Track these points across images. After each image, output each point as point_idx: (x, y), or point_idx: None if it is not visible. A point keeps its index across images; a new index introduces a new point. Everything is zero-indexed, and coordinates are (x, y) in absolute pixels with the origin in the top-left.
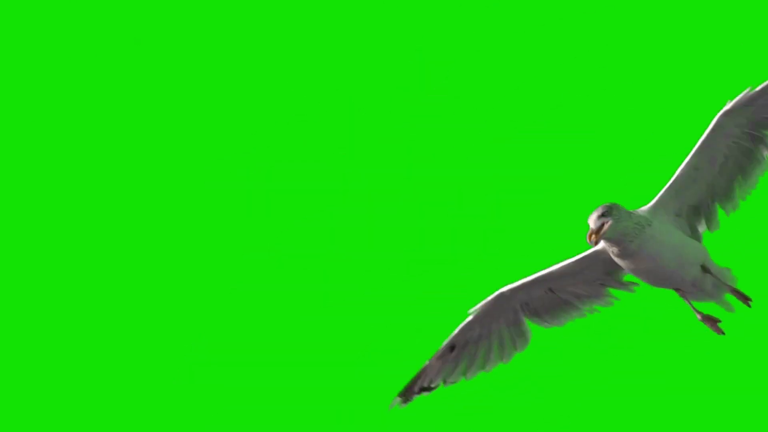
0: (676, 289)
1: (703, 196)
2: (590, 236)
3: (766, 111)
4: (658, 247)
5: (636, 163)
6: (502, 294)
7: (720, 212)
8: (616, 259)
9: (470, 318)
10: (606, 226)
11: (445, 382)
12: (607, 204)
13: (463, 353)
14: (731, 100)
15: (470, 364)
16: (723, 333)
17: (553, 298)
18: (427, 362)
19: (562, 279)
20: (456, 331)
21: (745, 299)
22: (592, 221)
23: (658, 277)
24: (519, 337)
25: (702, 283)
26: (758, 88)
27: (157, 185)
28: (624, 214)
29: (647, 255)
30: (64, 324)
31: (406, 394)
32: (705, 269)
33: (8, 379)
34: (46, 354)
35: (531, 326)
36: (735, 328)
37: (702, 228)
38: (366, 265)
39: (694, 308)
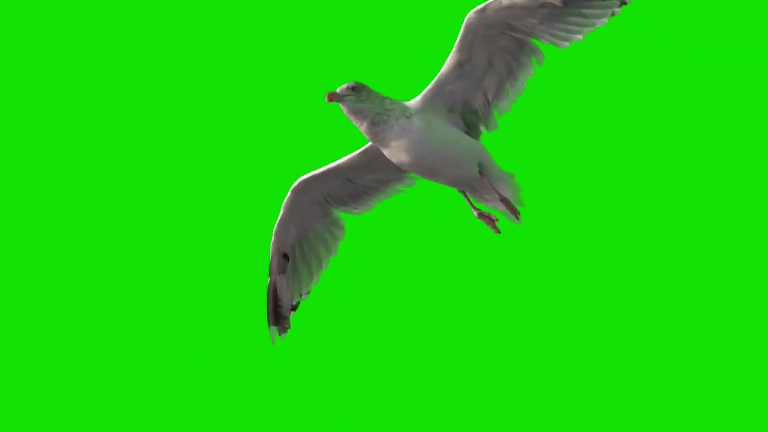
0: (455, 187)
1: (475, 93)
2: (330, 94)
3: (522, 21)
4: (416, 140)
5: None
6: (297, 188)
7: (495, 113)
8: (382, 150)
9: (279, 220)
10: (346, 97)
11: (300, 295)
12: (360, 83)
13: (296, 259)
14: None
15: (309, 268)
16: (499, 231)
17: (354, 186)
18: (269, 282)
19: (355, 169)
20: (274, 237)
21: (513, 211)
22: (341, 87)
23: (426, 172)
24: (333, 226)
25: (474, 182)
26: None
27: None
28: (373, 96)
29: (404, 147)
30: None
31: (278, 322)
32: (482, 168)
33: None
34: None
35: (342, 215)
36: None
37: (479, 126)
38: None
39: (471, 204)
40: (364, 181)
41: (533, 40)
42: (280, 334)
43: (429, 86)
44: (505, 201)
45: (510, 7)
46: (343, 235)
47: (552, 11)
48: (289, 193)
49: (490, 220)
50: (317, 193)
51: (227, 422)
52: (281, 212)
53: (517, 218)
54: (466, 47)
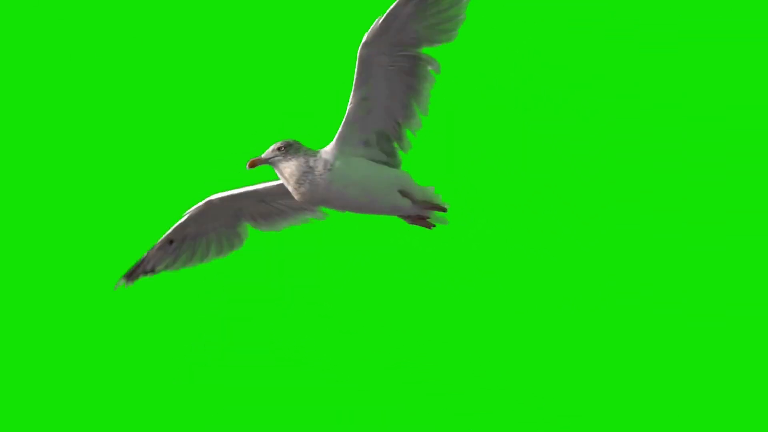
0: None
1: (385, 121)
2: (252, 161)
3: (404, 33)
4: (344, 187)
5: None
6: (211, 201)
7: (408, 133)
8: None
9: (184, 219)
10: (272, 159)
11: (167, 268)
12: (287, 141)
13: (183, 247)
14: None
15: (190, 257)
16: (433, 226)
17: (268, 207)
18: (147, 252)
19: (273, 195)
20: (172, 228)
21: (439, 209)
22: (269, 150)
23: (353, 209)
24: (235, 238)
25: (403, 208)
26: (383, 17)
27: None
28: (301, 154)
29: (329, 200)
30: None
31: (131, 276)
32: (404, 194)
33: None
34: None
35: (248, 228)
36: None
37: (397, 153)
38: None
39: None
40: (278, 204)
41: (424, 50)
42: (126, 284)
43: (340, 129)
44: (428, 206)
45: (386, 25)
46: (241, 246)
47: (420, 2)
48: (201, 203)
49: (422, 219)
50: (230, 208)
51: None
52: (187, 215)
53: (444, 212)
54: (364, 81)
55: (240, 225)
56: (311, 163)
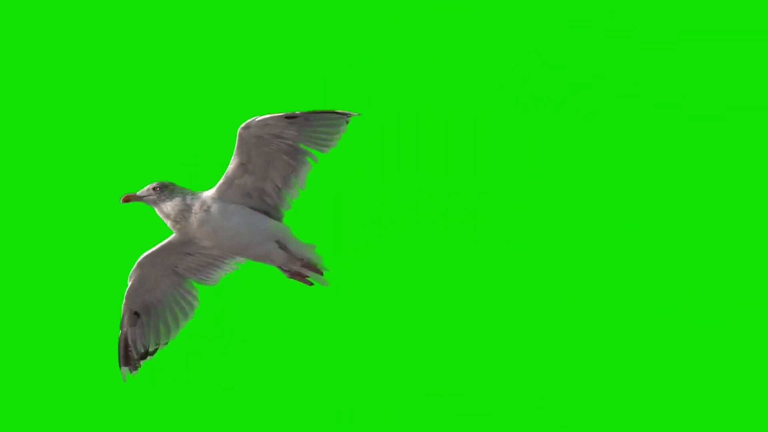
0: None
1: (263, 183)
2: (126, 196)
3: (280, 130)
4: (214, 229)
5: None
6: (141, 262)
7: (287, 197)
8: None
9: (129, 285)
10: (147, 197)
11: (158, 346)
12: (162, 183)
13: (151, 319)
14: (250, 119)
15: (166, 326)
16: (311, 284)
17: (195, 259)
18: (120, 332)
19: (187, 245)
20: (124, 299)
21: (317, 271)
22: (144, 188)
23: (229, 252)
24: (188, 295)
25: (275, 257)
26: (261, 120)
27: None
28: (176, 194)
29: (205, 236)
30: None
31: (129, 363)
32: (281, 246)
33: None
34: None
35: (195, 285)
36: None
37: (278, 207)
38: None
39: (281, 269)
40: (200, 255)
41: (301, 145)
42: (131, 372)
43: (221, 180)
44: (306, 265)
45: (266, 124)
46: (197, 304)
47: (302, 124)
48: (134, 267)
49: (300, 276)
50: (163, 266)
51: None
52: (129, 281)
53: (321, 276)
54: (244, 153)
55: (186, 282)
56: (188, 201)
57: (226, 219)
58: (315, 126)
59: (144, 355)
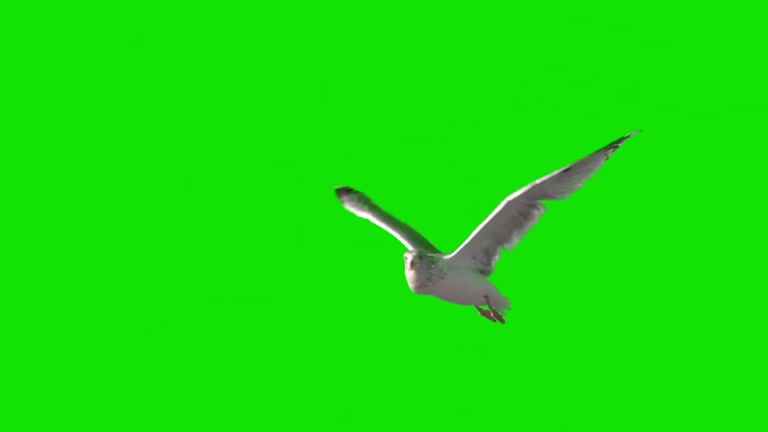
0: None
1: (492, 243)
2: (411, 264)
3: (540, 193)
4: (447, 289)
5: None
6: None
7: (502, 251)
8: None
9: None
10: (413, 268)
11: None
12: (419, 253)
13: None
14: (516, 190)
15: None
16: (503, 321)
17: None
18: None
19: None
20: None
21: (499, 319)
22: (409, 258)
23: (446, 300)
24: None
25: (480, 303)
26: (538, 181)
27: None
28: (425, 266)
29: (436, 293)
30: None
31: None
32: (487, 298)
33: None
34: None
35: None
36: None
37: (492, 264)
38: None
39: (477, 309)
40: None
41: (543, 202)
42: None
43: (460, 248)
44: (495, 312)
45: (536, 187)
46: None
47: (563, 175)
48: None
49: (490, 315)
50: None
51: None
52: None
53: (502, 321)
54: (497, 223)
55: None
56: (433, 271)
57: (455, 285)
58: (575, 173)
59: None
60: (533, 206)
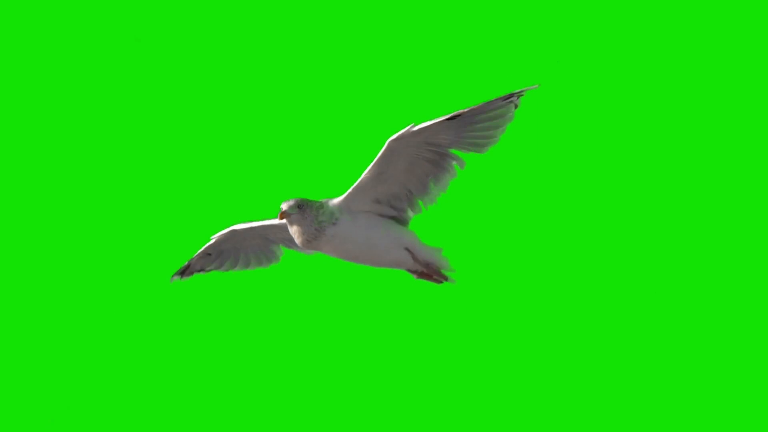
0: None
1: (399, 189)
2: (282, 215)
3: (436, 139)
4: (347, 242)
5: None
6: (234, 230)
7: (420, 203)
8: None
9: (210, 243)
10: (291, 220)
11: (217, 269)
12: (302, 199)
13: (223, 257)
14: (398, 131)
15: (233, 265)
16: (440, 282)
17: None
18: (189, 260)
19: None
20: (201, 249)
21: (442, 277)
22: (286, 204)
23: (352, 260)
24: (272, 255)
25: (403, 263)
26: (418, 127)
27: None
28: (312, 211)
29: (334, 250)
30: None
31: (183, 274)
32: (409, 251)
33: None
34: None
35: (282, 249)
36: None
37: (408, 212)
38: None
39: (409, 272)
40: None
41: (453, 151)
42: (181, 279)
43: (350, 190)
44: (431, 270)
45: (419, 132)
46: (278, 261)
47: (461, 121)
48: (226, 231)
49: (428, 276)
50: (255, 235)
51: None
52: (212, 239)
53: (447, 280)
54: (384, 163)
55: (273, 246)
56: (320, 217)
57: (355, 233)
58: (477, 121)
59: (198, 271)
60: (443, 155)
